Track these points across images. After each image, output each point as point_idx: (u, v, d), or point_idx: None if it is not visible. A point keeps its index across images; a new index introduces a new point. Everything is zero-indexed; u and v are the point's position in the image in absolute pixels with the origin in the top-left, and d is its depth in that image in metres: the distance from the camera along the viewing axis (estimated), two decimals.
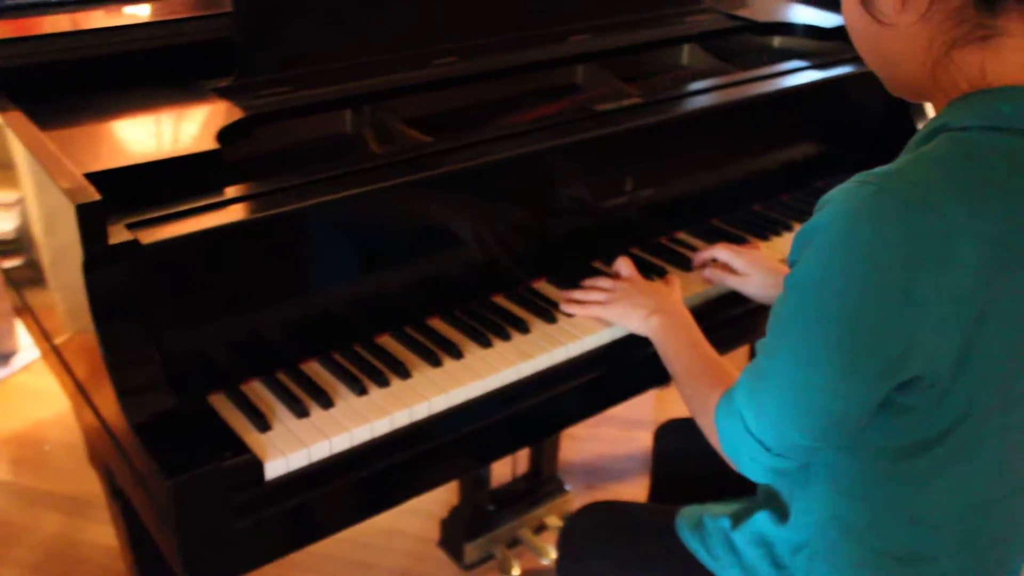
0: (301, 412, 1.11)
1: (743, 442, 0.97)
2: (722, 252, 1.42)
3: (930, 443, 0.92)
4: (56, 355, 1.31)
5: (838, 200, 0.85)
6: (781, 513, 1.11)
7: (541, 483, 2.06)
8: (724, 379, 1.09)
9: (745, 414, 0.96)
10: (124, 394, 1.01)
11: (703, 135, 1.55)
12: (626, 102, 1.46)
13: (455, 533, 1.96)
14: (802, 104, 1.67)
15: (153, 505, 1.03)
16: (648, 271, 1.43)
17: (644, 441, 2.48)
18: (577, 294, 1.34)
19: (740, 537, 1.15)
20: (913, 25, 0.90)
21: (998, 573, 1.05)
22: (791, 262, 0.91)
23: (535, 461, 2.08)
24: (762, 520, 1.12)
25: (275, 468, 1.04)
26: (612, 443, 2.50)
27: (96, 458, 1.36)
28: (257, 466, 1.03)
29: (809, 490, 1.05)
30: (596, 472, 2.38)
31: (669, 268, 1.45)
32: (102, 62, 1.33)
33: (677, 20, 1.77)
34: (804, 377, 0.90)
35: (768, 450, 0.96)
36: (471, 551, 1.93)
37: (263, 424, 1.08)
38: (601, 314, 1.30)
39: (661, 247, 1.51)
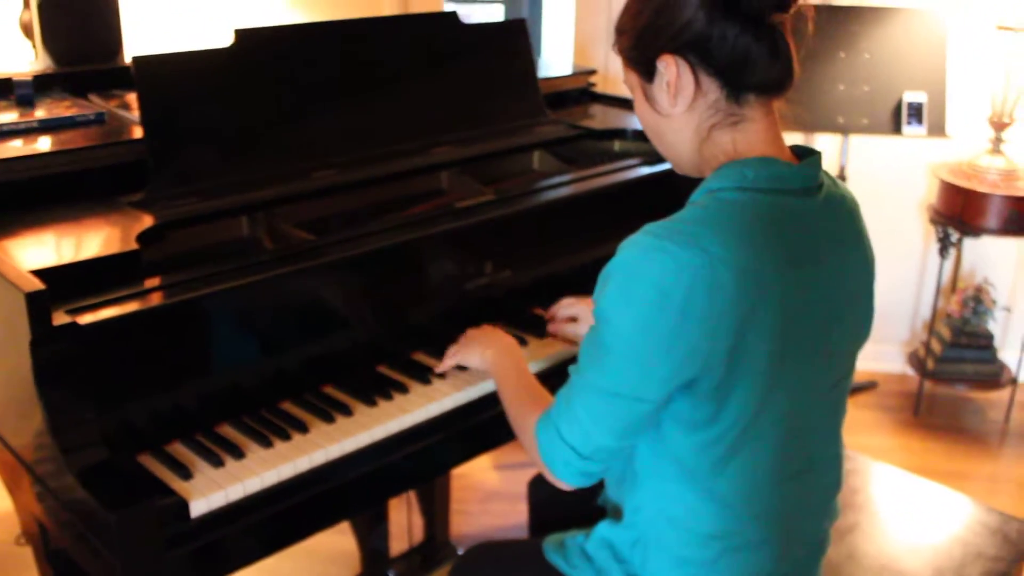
0: (217, 463, 1.32)
1: (557, 449, 1.22)
2: (562, 306, 1.71)
3: (719, 437, 1.18)
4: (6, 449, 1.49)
5: (629, 245, 1.13)
6: (618, 518, 1.35)
7: (436, 549, 2.26)
8: (543, 403, 1.33)
9: (559, 424, 1.22)
10: (66, 451, 1.21)
11: (548, 223, 1.83)
12: (481, 199, 1.74)
13: None
14: (633, 193, 1.97)
15: (95, 546, 1.22)
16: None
17: None
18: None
19: (591, 545, 1.38)
20: (683, 115, 1.21)
21: (795, 541, 1.31)
22: (595, 298, 1.18)
23: (429, 530, 2.28)
24: (604, 527, 1.37)
25: (198, 507, 1.25)
26: (501, 516, 2.72)
27: (28, 532, 1.52)
28: (183, 505, 1.24)
29: (636, 493, 1.30)
30: (486, 540, 2.58)
31: (527, 336, 1.71)
32: (30, 184, 1.55)
33: (526, 131, 2.07)
34: (608, 385, 1.16)
35: (579, 455, 1.21)
36: None
37: (186, 473, 1.29)
38: (452, 357, 1.56)
39: (519, 320, 1.77)
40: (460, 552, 2.26)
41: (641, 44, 1.22)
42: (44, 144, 1.64)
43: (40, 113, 1.77)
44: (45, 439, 1.23)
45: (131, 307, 1.29)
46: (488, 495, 2.78)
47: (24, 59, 2.28)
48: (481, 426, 1.56)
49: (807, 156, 1.23)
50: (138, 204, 1.54)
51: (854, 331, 1.29)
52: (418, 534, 2.29)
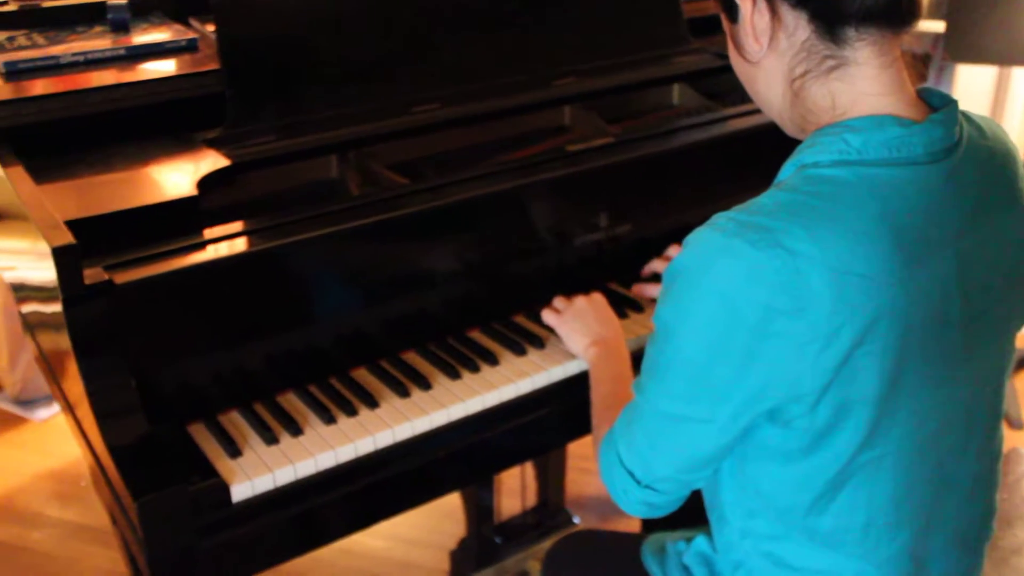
0: (271, 439, 1.18)
1: (617, 474, 1.03)
2: (657, 262, 1.52)
3: (819, 470, 0.95)
4: (63, 398, 1.40)
5: (695, 242, 0.91)
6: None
7: (549, 516, 2.10)
8: None
9: (619, 446, 1.02)
10: (102, 418, 1.09)
11: (679, 169, 1.60)
12: (598, 142, 1.52)
13: (463, 565, 2.01)
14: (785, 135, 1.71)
15: (129, 524, 1.11)
16: (622, 305, 1.47)
17: None
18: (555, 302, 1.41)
19: (689, 559, 1.19)
20: (770, 60, 0.96)
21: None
22: (657, 303, 0.96)
23: (542, 494, 2.12)
24: (703, 541, 1.18)
25: (241, 491, 1.12)
26: None
27: (98, 487, 1.45)
28: (224, 489, 1.11)
29: (723, 530, 1.09)
30: (611, 505, 2.39)
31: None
32: (104, 118, 1.43)
33: (664, 61, 1.82)
34: (670, 410, 0.95)
35: (638, 483, 1.01)
36: None
37: (234, 450, 1.16)
38: (554, 323, 1.36)
39: (636, 281, 1.56)
40: (576, 520, 2.10)
41: None
42: (126, 74, 1.52)
43: (134, 39, 1.66)
44: (86, 402, 1.12)
45: (176, 264, 1.15)
46: None
47: None
48: (586, 403, 1.37)
49: (942, 106, 0.95)
50: (213, 142, 1.40)
51: (1013, 310, 1.02)
52: (532, 496, 2.13)
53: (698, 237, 0.91)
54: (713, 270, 0.88)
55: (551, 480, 2.10)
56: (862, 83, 0.93)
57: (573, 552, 1.42)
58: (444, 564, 2.11)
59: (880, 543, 1.00)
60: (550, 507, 2.11)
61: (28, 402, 2.82)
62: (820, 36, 0.92)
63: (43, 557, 2.27)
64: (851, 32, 0.91)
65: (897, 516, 0.99)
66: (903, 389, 0.92)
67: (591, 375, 1.28)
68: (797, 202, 0.88)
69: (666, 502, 1.04)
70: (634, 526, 2.29)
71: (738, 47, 1.00)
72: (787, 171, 0.95)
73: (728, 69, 1.83)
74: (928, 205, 0.91)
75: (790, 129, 1.02)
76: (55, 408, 2.80)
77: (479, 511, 1.99)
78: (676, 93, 1.91)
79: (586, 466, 2.52)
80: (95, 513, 2.39)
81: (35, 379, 2.78)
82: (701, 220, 1.59)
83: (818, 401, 0.89)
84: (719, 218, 0.90)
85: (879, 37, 0.92)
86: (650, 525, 1.65)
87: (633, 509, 1.05)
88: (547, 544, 2.03)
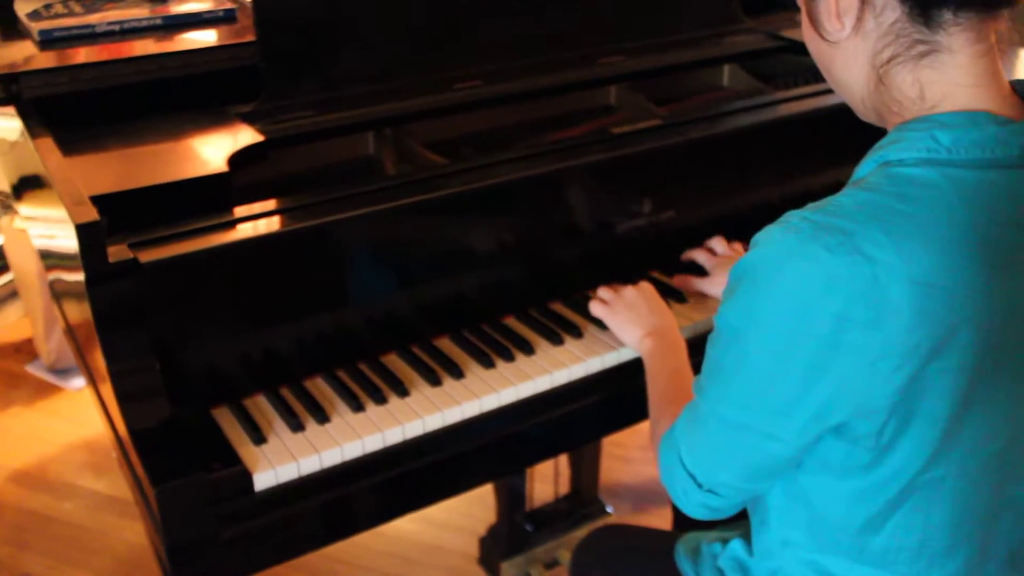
0: (297, 427, 1.14)
1: (677, 475, 0.98)
2: (696, 252, 1.45)
3: (879, 487, 0.90)
4: (87, 372, 1.38)
5: (765, 242, 0.85)
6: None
7: (581, 504, 2.06)
8: None
9: (681, 447, 0.97)
10: (124, 399, 1.06)
11: (729, 155, 1.53)
12: (644, 124, 1.46)
13: (493, 551, 1.97)
14: (841, 122, 1.63)
15: (148, 509, 1.08)
16: (664, 295, 1.42)
17: None
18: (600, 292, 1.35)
19: (724, 562, 1.15)
20: (853, 42, 0.90)
21: None
22: (721, 302, 0.91)
23: (576, 482, 2.08)
24: (738, 545, 1.13)
25: (264, 480, 1.08)
26: None
27: (121, 467, 1.42)
28: (246, 478, 1.07)
29: (763, 534, 1.04)
30: (645, 495, 2.37)
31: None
32: (137, 89, 1.40)
33: (715, 41, 1.76)
34: (732, 417, 0.90)
35: (699, 486, 0.96)
36: (507, 570, 1.94)
37: (258, 437, 1.12)
38: (604, 316, 1.31)
39: (681, 270, 1.50)
40: (609, 510, 2.05)
41: None
42: (162, 44, 1.49)
43: (171, 9, 1.62)
44: (108, 381, 1.09)
45: (205, 243, 1.11)
46: None
47: None
48: (625, 396, 1.32)
49: None
50: (247, 116, 1.36)
51: None
52: (565, 484, 2.09)
53: (769, 236, 0.84)
54: (784, 274, 0.82)
55: (585, 468, 2.05)
56: (955, 72, 0.86)
57: (603, 546, 1.38)
58: (474, 549, 2.07)
59: (933, 565, 0.94)
60: (583, 495, 2.07)
61: (63, 371, 2.83)
62: (912, 18, 0.85)
63: (73, 528, 2.27)
64: (947, 16, 0.84)
65: (954, 539, 0.93)
66: (973, 406, 0.86)
67: (647, 368, 1.23)
68: (879, 204, 0.82)
69: (727, 506, 0.99)
70: (668, 517, 2.25)
71: (816, 25, 0.92)
72: (867, 167, 0.88)
73: (781, 51, 1.79)
74: (1016, 214, 0.84)
75: (870, 116, 0.96)
76: None
77: (511, 497, 1.95)
78: (726, 75, 1.84)
79: (621, 453, 2.47)
80: (126, 485, 2.38)
81: (69, 348, 2.79)
82: (748, 208, 1.57)
83: (888, 419, 0.84)
84: (793, 217, 0.84)
85: (976, 22, 0.85)
86: (683, 521, 1.60)
87: (693, 511, 1.00)
88: (579, 533, 1.99)
